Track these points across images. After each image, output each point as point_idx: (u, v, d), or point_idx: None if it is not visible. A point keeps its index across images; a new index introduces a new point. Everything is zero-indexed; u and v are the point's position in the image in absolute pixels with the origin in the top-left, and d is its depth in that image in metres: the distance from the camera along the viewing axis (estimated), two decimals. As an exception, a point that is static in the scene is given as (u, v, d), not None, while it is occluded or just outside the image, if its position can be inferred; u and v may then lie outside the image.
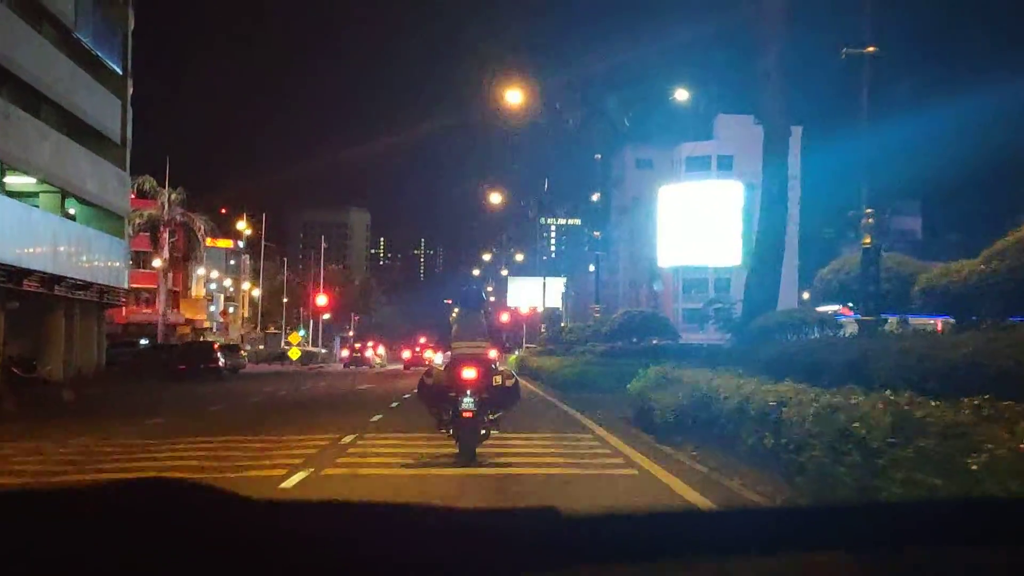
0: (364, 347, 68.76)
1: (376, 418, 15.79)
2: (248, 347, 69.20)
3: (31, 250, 28.00)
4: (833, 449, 6.08)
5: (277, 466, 9.60)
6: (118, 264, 36.71)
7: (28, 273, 27.87)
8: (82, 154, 32.50)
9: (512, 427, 12.47)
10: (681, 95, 36.00)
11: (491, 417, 10.02)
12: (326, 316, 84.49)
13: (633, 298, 71.75)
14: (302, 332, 75.50)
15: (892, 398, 5.96)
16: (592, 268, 51.98)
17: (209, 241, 58.98)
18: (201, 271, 67.66)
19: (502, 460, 9.96)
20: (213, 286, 76.00)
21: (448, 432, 10.11)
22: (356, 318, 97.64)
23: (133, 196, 47.56)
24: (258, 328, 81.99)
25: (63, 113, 31.32)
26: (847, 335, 11.80)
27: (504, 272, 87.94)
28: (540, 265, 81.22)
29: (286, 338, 71.31)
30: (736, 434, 8.90)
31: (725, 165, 68.23)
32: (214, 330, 71.80)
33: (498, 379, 10.11)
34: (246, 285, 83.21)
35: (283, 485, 8.42)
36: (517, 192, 79.71)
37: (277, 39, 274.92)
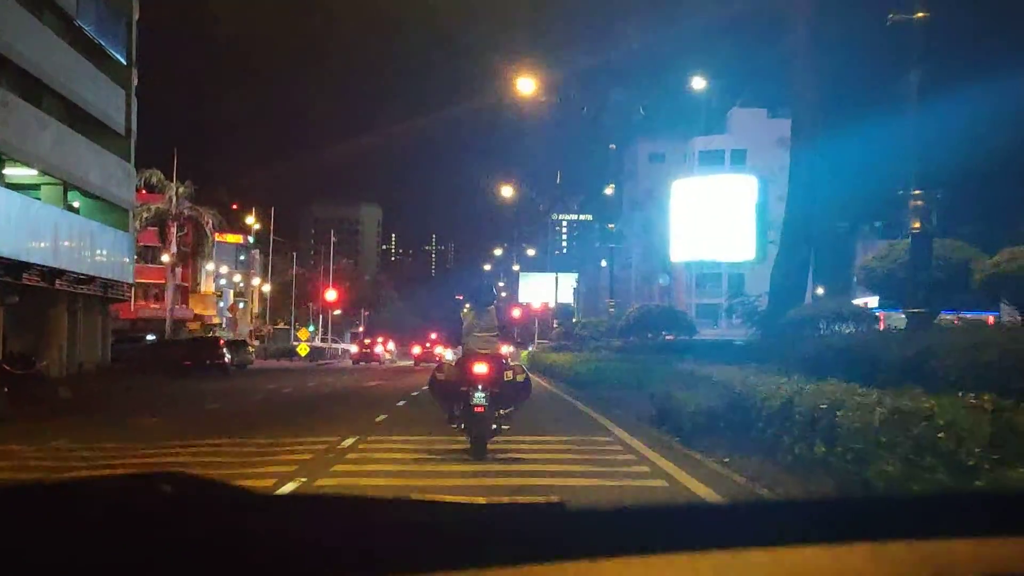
0: (374, 343, 67.84)
1: (381, 418, 14.93)
2: (256, 343, 68.55)
3: (31, 243, 27.27)
4: (909, 462, 5.16)
5: (267, 475, 8.73)
6: (123, 258, 35.97)
7: (27, 267, 27.15)
8: (84, 145, 31.73)
9: (527, 429, 11.68)
10: (698, 83, 35.12)
11: (503, 412, 10.01)
12: (336, 312, 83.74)
13: (646, 293, 70.88)
14: (311, 328, 74.87)
15: (980, 403, 5.02)
16: (604, 263, 51.23)
17: (218, 236, 58.39)
18: (210, 266, 67.11)
19: (516, 468, 9.13)
20: (223, 281, 75.40)
21: (459, 426, 10.04)
22: (366, 313, 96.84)
23: (141, 190, 46.99)
24: (267, 323, 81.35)
25: (65, 103, 30.58)
26: (892, 329, 10.83)
27: (516, 267, 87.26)
28: (551, 261, 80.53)
29: (295, 334, 70.69)
30: (777, 440, 7.98)
31: (738, 159, 67.23)
32: (223, 326, 71.10)
33: (509, 374, 10.10)
34: (256, 280, 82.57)
35: (271, 496, 7.55)
36: (529, 187, 79.05)
37: (288, 31, 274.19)
